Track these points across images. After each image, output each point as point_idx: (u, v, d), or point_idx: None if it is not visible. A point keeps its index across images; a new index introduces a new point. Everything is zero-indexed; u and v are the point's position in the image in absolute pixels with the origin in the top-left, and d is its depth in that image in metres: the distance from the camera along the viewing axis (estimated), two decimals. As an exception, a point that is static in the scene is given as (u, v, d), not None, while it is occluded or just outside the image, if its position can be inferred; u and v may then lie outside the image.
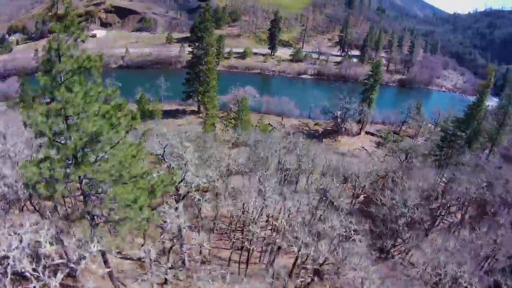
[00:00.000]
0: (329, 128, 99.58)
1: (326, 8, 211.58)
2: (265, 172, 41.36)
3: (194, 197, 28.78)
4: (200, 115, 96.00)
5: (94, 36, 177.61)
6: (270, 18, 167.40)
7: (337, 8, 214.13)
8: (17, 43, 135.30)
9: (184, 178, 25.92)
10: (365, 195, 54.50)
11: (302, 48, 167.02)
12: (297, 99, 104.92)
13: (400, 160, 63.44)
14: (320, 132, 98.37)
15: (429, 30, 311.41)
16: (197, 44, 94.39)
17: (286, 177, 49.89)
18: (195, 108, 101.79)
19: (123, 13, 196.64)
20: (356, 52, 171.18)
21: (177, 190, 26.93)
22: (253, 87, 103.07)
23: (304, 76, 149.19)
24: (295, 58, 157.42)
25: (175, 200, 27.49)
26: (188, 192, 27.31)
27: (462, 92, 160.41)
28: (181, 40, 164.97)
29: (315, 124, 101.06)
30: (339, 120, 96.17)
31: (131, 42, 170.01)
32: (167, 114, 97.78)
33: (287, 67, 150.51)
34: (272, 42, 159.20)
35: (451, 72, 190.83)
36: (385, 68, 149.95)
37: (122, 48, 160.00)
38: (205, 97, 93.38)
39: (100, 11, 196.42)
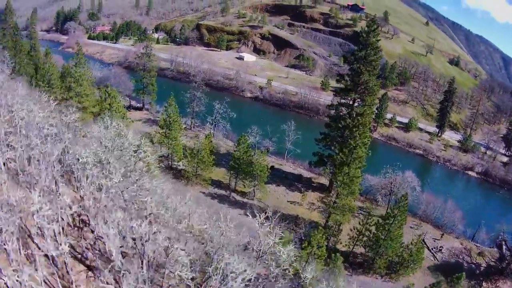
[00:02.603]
0: (492, 262, 63.36)
1: (493, 93, 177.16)
2: None
3: None
4: (325, 199, 61.45)
5: (241, 58, 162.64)
6: (440, 90, 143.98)
7: (503, 96, 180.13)
8: (157, 42, 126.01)
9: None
10: None
11: (470, 135, 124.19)
12: (462, 206, 70.16)
13: None
14: (482, 268, 61.98)
15: None
16: (348, 82, 61.86)
17: None
18: (326, 181, 68.40)
19: (280, 44, 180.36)
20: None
21: None
22: (414, 175, 67.89)
23: (470, 172, 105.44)
24: (463, 146, 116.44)
25: None
26: None
27: None
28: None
29: (479, 254, 65.82)
30: (506, 253, 62.72)
31: (279, 76, 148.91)
32: (282, 178, 67.12)
33: (454, 156, 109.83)
34: (442, 119, 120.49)
35: None
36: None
37: (266, 79, 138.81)
38: (340, 174, 55.45)
39: (255, 35, 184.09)
